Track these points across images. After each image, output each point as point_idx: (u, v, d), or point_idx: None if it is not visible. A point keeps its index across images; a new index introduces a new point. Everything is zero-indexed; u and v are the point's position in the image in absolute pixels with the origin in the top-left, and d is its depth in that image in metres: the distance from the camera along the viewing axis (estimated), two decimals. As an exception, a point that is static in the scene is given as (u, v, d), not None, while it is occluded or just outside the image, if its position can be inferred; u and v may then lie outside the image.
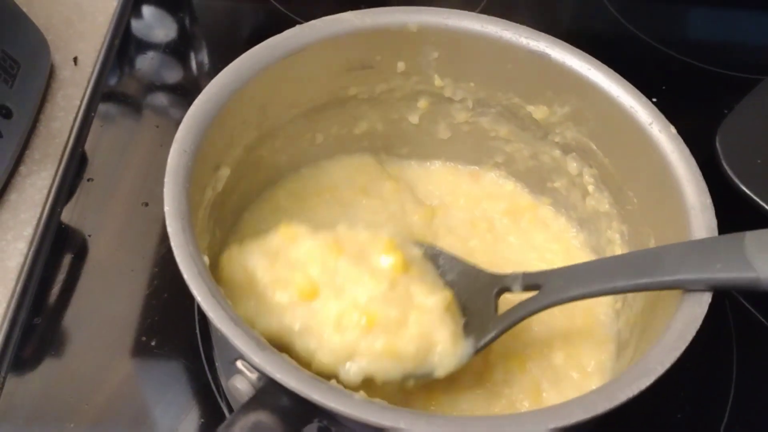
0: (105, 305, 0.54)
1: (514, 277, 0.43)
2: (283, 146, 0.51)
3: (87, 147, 0.63)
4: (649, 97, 0.70)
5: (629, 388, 0.32)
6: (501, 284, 0.43)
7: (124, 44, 0.74)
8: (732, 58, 0.73)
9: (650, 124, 0.44)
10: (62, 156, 0.61)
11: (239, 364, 0.35)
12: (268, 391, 0.32)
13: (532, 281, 0.42)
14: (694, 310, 0.36)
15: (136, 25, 0.80)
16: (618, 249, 0.49)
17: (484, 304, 0.43)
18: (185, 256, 0.34)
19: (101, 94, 0.67)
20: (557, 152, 0.52)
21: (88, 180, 0.61)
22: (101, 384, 0.49)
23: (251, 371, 0.34)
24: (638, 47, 0.75)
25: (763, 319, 0.57)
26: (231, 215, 0.49)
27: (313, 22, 0.47)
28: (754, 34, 0.78)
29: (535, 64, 0.48)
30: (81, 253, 0.58)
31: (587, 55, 0.47)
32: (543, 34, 0.48)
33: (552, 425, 0.31)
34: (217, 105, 0.42)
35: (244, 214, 0.50)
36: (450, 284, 0.44)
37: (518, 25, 0.48)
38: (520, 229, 0.54)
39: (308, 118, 0.51)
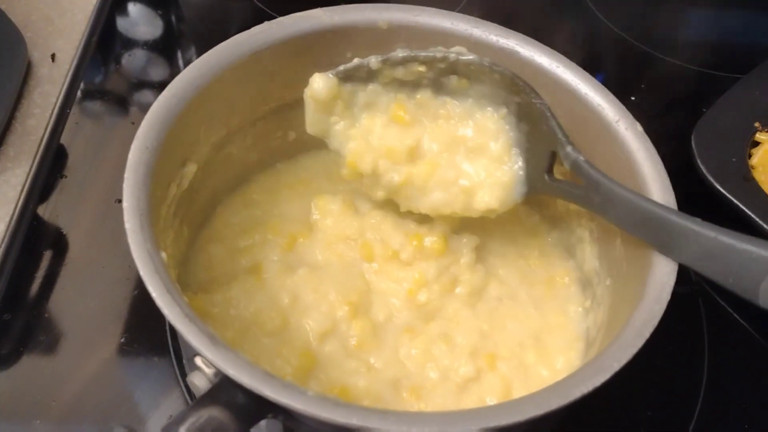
0: (78, 301, 0.54)
1: (571, 156, 0.43)
2: (254, 144, 0.51)
3: (66, 143, 0.63)
4: (629, 95, 0.72)
5: (584, 384, 0.32)
6: (554, 147, 0.44)
7: (109, 42, 0.74)
8: (711, 57, 0.73)
9: (617, 121, 0.44)
10: (37, 153, 0.61)
11: (197, 360, 0.35)
12: (223, 388, 0.32)
13: (583, 174, 0.42)
14: (653, 307, 0.36)
15: (121, 22, 0.80)
16: (587, 246, 0.49)
17: (535, 147, 0.45)
18: (142, 252, 0.34)
19: (84, 91, 0.67)
20: (529, 148, 0.52)
21: (63, 176, 0.61)
22: (69, 381, 0.49)
23: (209, 367, 0.34)
24: (618, 45, 0.75)
25: (736, 316, 0.57)
26: (201, 212, 0.49)
27: (281, 18, 0.47)
28: (733, 34, 0.78)
29: (505, 62, 0.48)
30: (57, 249, 0.58)
31: (556, 52, 0.47)
32: (513, 31, 0.48)
33: (504, 421, 0.31)
34: (181, 101, 0.42)
35: (217, 208, 0.50)
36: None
37: (488, 22, 0.48)
38: (497, 223, 0.54)
39: (279, 116, 0.51)
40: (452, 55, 0.44)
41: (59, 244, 0.58)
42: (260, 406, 0.32)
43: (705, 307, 0.57)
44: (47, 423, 0.47)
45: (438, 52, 0.45)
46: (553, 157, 0.44)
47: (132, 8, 0.82)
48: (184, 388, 0.48)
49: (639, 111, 0.68)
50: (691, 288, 0.58)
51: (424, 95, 0.46)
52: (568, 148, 0.43)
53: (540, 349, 0.48)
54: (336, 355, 0.45)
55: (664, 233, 0.39)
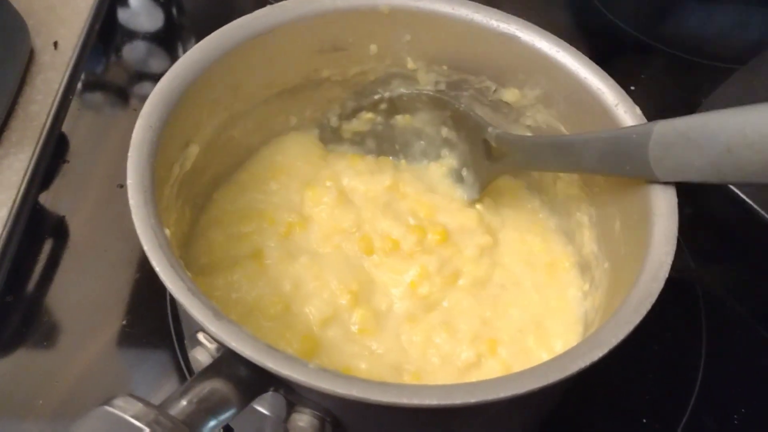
0: (81, 285, 0.55)
1: (493, 134, 0.49)
2: (256, 127, 0.51)
3: (67, 131, 0.64)
4: (628, 85, 0.71)
5: (581, 359, 0.33)
6: (484, 134, 0.50)
7: (110, 33, 0.75)
8: (710, 48, 0.74)
9: (616, 105, 0.44)
10: (39, 138, 0.61)
11: (200, 336, 0.35)
12: (225, 361, 0.33)
13: (506, 143, 0.49)
14: (650, 285, 0.36)
15: (122, 14, 0.80)
16: (586, 231, 0.49)
17: (475, 147, 0.51)
18: (146, 228, 0.35)
19: (85, 80, 0.68)
20: (529, 135, 0.52)
21: (66, 162, 0.61)
22: (70, 363, 0.50)
23: (211, 342, 0.34)
24: (618, 36, 0.76)
25: (734, 302, 0.57)
26: (202, 195, 0.49)
27: (283, 2, 0.47)
28: (732, 25, 0.78)
29: (506, 47, 0.48)
30: (59, 234, 0.58)
31: (556, 37, 0.47)
32: (513, 17, 0.48)
33: (503, 394, 0.31)
34: (184, 82, 0.42)
35: (214, 194, 0.50)
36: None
37: (489, 8, 0.49)
38: (497, 209, 0.54)
39: (281, 100, 0.51)
40: (386, 94, 0.54)
41: (61, 229, 0.58)
42: (262, 379, 0.32)
43: (703, 293, 0.57)
44: (49, 404, 0.47)
45: (375, 94, 0.54)
46: (486, 143, 0.50)
47: (133, 0, 0.82)
48: (186, 371, 0.49)
49: (638, 101, 0.69)
50: (689, 274, 0.58)
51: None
52: (489, 129, 0.49)
53: (540, 333, 0.48)
54: (338, 340, 0.45)
55: (570, 154, 0.43)
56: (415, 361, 0.46)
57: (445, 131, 0.54)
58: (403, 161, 0.56)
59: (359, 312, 0.46)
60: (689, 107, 0.65)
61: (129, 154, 0.38)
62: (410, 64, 0.52)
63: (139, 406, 0.28)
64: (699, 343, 0.54)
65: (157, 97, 0.40)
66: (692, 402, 0.51)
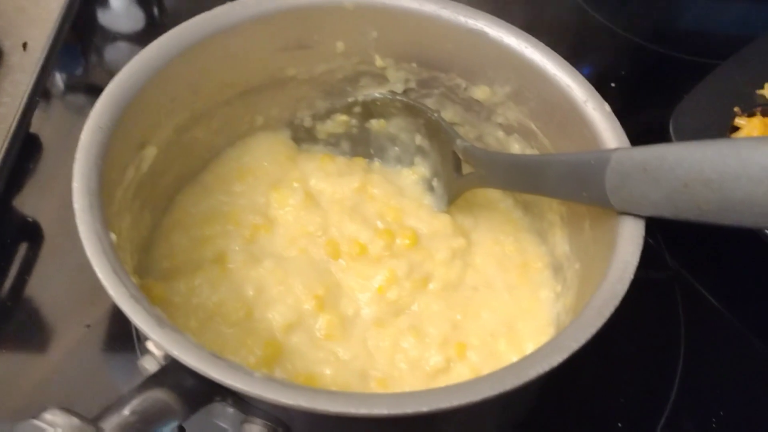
0: (52, 288, 0.53)
1: (460, 146, 0.48)
2: (220, 128, 0.50)
3: (42, 133, 0.63)
4: (609, 82, 0.71)
5: (540, 364, 0.32)
6: (453, 146, 0.49)
7: (89, 34, 0.74)
8: (691, 44, 0.73)
9: (585, 102, 0.43)
10: (4, 140, 0.60)
11: (149, 344, 0.34)
12: (170, 370, 0.32)
13: (471, 158, 0.48)
14: (615, 287, 0.35)
15: (102, 15, 0.79)
16: (558, 230, 0.48)
17: (445, 158, 0.51)
18: (90, 233, 0.33)
19: (66, 82, 0.67)
20: (501, 133, 0.51)
21: (36, 166, 0.60)
22: (32, 369, 0.49)
23: (159, 351, 0.33)
24: (598, 33, 0.74)
25: (712, 300, 0.56)
26: (164, 197, 0.48)
27: (244, -1, 0.46)
28: (712, 21, 0.77)
29: (474, 43, 0.47)
30: (31, 237, 0.57)
31: (525, 33, 0.46)
32: (482, 12, 0.47)
33: (456, 402, 0.30)
34: (138, 82, 0.41)
35: (177, 196, 0.49)
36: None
37: (456, 3, 0.47)
38: (470, 209, 0.53)
39: (245, 100, 0.50)
40: (360, 97, 0.53)
41: (33, 232, 0.57)
42: (208, 389, 0.31)
43: (681, 292, 0.56)
44: (7, 407, 0.46)
45: (347, 95, 0.53)
46: (455, 155, 0.49)
47: (113, 1, 0.81)
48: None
49: (619, 98, 0.68)
50: (667, 274, 0.57)
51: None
52: (458, 141, 0.48)
53: (512, 336, 0.47)
54: (302, 346, 0.44)
55: (530, 175, 0.43)
56: (382, 367, 0.45)
57: (418, 139, 0.53)
58: (377, 163, 0.55)
59: (325, 317, 0.45)
60: (670, 103, 0.64)
61: (76, 156, 0.36)
62: (379, 62, 0.51)
63: (71, 419, 0.27)
64: (677, 345, 0.53)
65: (108, 97, 0.39)
66: (669, 405, 0.50)
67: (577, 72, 0.44)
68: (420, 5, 0.47)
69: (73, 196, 0.35)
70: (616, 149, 0.38)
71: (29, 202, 0.59)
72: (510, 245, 0.51)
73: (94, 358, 0.49)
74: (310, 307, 0.45)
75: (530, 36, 0.46)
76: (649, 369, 0.52)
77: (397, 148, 0.54)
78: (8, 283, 0.53)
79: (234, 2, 0.46)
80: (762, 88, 0.63)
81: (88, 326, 0.50)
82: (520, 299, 0.49)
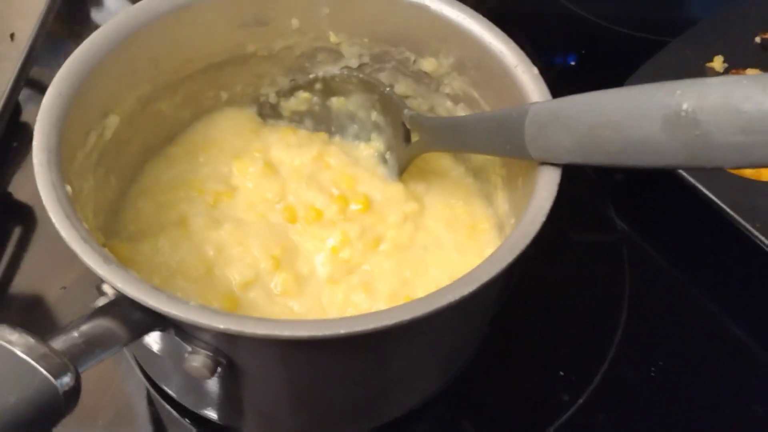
0: (48, 272, 0.57)
1: (407, 115, 0.51)
2: (185, 102, 0.53)
3: (32, 121, 0.66)
4: (568, 60, 0.74)
5: (451, 294, 0.34)
6: (403, 118, 0.52)
7: (82, 32, 0.77)
8: (646, 21, 0.75)
9: (516, 66, 0.46)
10: (-10, 124, 0.64)
11: (103, 286, 0.37)
12: (117, 303, 0.35)
13: (416, 125, 0.51)
14: (528, 228, 0.38)
15: (96, 14, 0.83)
16: (500, 192, 0.51)
17: (397, 131, 0.53)
18: (47, 183, 0.37)
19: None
20: (449, 103, 0.54)
21: (27, 153, 0.64)
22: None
23: (110, 291, 0.36)
24: (557, 12, 0.77)
25: (661, 261, 0.59)
26: (130, 166, 0.52)
27: (202, -23, 0.49)
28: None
29: (419, 17, 0.50)
30: (25, 222, 0.61)
31: (464, 6, 0.49)
32: (424, -14, 0.50)
33: (372, 326, 0.33)
34: (99, 53, 0.44)
35: (145, 166, 0.53)
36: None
37: (401, -21, 0.51)
38: (423, 177, 0.56)
39: (208, 75, 0.53)
40: (320, 73, 0.56)
41: (29, 217, 0.61)
42: (149, 319, 0.35)
43: (629, 254, 0.59)
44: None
45: (307, 72, 0.56)
46: (404, 126, 0.52)
47: (108, 1, 0.85)
48: (134, 362, 0.51)
49: (579, 75, 0.71)
50: (615, 236, 0.60)
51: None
52: (405, 111, 0.51)
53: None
54: (259, 301, 0.47)
55: (462, 133, 0.46)
56: None
57: (374, 115, 0.56)
58: (337, 137, 0.58)
59: (281, 275, 0.48)
60: (627, 77, 0.66)
61: (37, 118, 0.40)
62: (333, 38, 0.54)
63: (24, 337, 0.30)
64: (621, 301, 0.56)
65: (69, 66, 0.43)
66: (611, 355, 0.53)
67: (509, 39, 0.47)
68: (366, -19, 0.51)
69: (33, 152, 0.38)
70: (533, 103, 0.41)
71: (23, 188, 0.62)
72: (460, 208, 0.54)
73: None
74: (267, 266, 0.48)
75: (469, 8, 0.49)
76: (593, 322, 0.55)
77: (355, 126, 0.57)
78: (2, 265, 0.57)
79: (191, -19, 0.49)
80: (711, 61, 0.66)
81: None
82: (467, 257, 0.51)
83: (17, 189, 0.63)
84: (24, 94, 0.68)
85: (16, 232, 0.60)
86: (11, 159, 0.64)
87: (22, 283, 0.57)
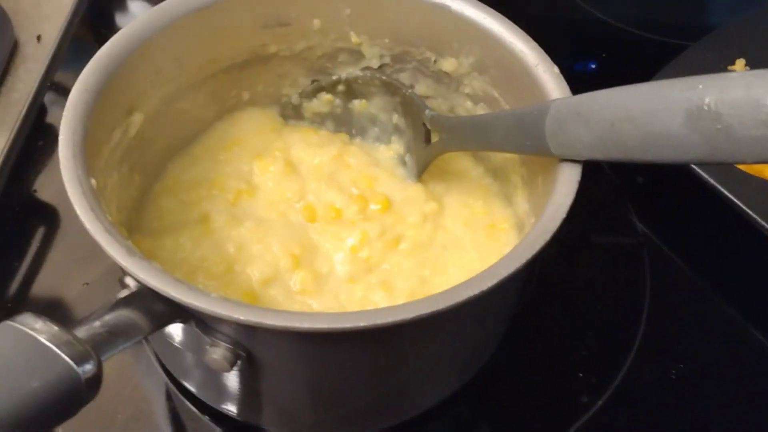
0: (71, 273, 0.57)
1: (428, 116, 0.52)
2: (208, 101, 0.54)
3: (57, 123, 0.67)
4: (589, 64, 0.74)
5: (471, 289, 0.35)
6: (423, 118, 0.52)
7: (106, 36, 0.79)
8: (668, 26, 0.75)
9: (536, 65, 0.46)
10: (15, 122, 0.65)
11: (126, 279, 0.37)
12: (139, 294, 0.35)
13: (437, 125, 0.51)
14: (547, 225, 0.38)
15: (120, 18, 0.84)
16: (520, 191, 0.51)
17: (417, 133, 0.54)
18: (72, 177, 0.38)
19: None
20: (469, 103, 0.54)
21: (51, 154, 0.65)
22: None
23: (133, 283, 0.37)
24: (581, 16, 0.77)
25: (682, 265, 0.58)
26: (154, 164, 0.52)
27: (224, -21, 0.50)
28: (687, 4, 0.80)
29: (439, 17, 0.50)
30: (48, 221, 0.62)
31: (484, 5, 0.49)
32: (444, -13, 0.50)
33: (391, 318, 0.33)
34: (123, 52, 0.45)
35: (168, 164, 0.53)
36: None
37: (422, -20, 0.51)
38: (442, 177, 0.56)
39: (230, 75, 0.54)
40: (343, 75, 0.56)
41: (51, 217, 0.62)
42: (171, 310, 0.35)
43: (650, 258, 0.58)
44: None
45: (328, 72, 0.57)
46: (425, 127, 0.52)
47: (133, 5, 0.86)
48: (157, 362, 0.52)
49: (600, 79, 0.71)
50: (636, 238, 0.59)
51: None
52: (426, 112, 0.51)
53: None
54: (279, 298, 0.48)
55: (482, 131, 0.46)
56: None
57: (395, 118, 0.56)
58: (358, 139, 0.59)
59: (300, 273, 0.48)
60: (648, 80, 0.66)
61: (64, 113, 0.41)
62: (354, 38, 0.54)
63: (48, 325, 0.31)
64: (641, 304, 0.55)
65: (95, 63, 0.43)
66: (631, 357, 0.52)
67: (530, 38, 0.47)
68: (387, -19, 0.51)
69: (59, 147, 0.39)
70: (555, 99, 0.41)
71: (48, 189, 0.63)
72: (479, 208, 0.54)
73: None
74: (286, 264, 0.49)
75: (488, 7, 0.49)
76: (613, 325, 0.54)
77: (376, 129, 0.58)
78: (25, 265, 0.58)
79: (215, -18, 0.50)
80: (733, 64, 0.66)
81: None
82: (486, 256, 0.51)
83: (42, 189, 0.64)
84: (48, 96, 0.70)
85: (41, 230, 0.61)
86: (36, 159, 0.65)
87: (45, 280, 0.57)
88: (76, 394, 0.30)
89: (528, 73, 0.47)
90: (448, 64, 0.53)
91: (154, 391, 0.51)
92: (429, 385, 0.47)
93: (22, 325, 0.30)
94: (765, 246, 0.53)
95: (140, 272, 0.34)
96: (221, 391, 0.45)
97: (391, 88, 0.55)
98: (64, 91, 0.72)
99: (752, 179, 0.56)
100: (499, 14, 0.49)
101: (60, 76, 0.71)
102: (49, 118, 0.70)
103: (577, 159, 0.40)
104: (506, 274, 0.35)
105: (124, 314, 0.34)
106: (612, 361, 0.52)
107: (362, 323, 0.33)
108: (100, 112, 0.43)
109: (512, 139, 0.43)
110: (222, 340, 0.36)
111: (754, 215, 0.53)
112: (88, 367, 0.30)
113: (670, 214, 0.62)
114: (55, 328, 0.31)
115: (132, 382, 0.51)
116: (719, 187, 0.55)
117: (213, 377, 0.43)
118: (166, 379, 0.51)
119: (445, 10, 0.50)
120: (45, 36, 0.74)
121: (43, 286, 0.57)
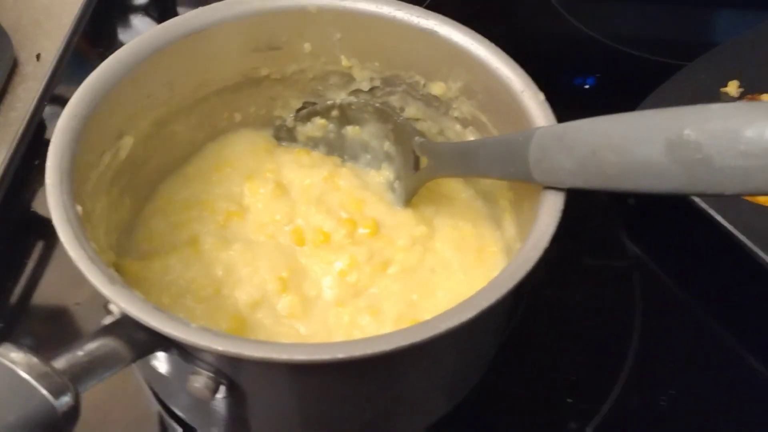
0: (67, 287, 0.58)
1: (417, 142, 0.52)
2: (199, 123, 0.55)
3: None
4: (585, 83, 0.74)
5: (451, 320, 0.35)
6: (413, 145, 0.52)
7: (109, 50, 0.80)
8: (661, 45, 0.75)
9: (522, 92, 0.46)
10: (13, 141, 0.65)
11: (109, 306, 0.38)
12: (121, 323, 0.35)
13: (425, 151, 0.51)
14: (529, 254, 0.38)
15: (122, 33, 0.85)
16: (508, 215, 0.51)
17: (407, 160, 0.54)
18: (57, 204, 0.38)
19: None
20: (458, 127, 0.54)
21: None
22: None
23: (116, 310, 0.37)
24: (571, 35, 0.78)
25: (674, 288, 0.58)
26: (146, 186, 0.53)
27: (214, 4, 0.50)
28: (680, 24, 0.80)
29: (428, 42, 0.51)
30: (46, 237, 0.62)
31: (472, 31, 0.50)
32: (433, 13, 0.51)
33: (369, 350, 0.33)
34: (114, 77, 0.45)
35: (159, 186, 0.54)
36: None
37: (411, 6, 0.51)
38: (432, 199, 0.56)
39: (222, 98, 0.54)
40: (337, 100, 0.57)
41: (49, 233, 0.62)
42: (153, 339, 0.35)
43: (640, 278, 0.58)
44: None
45: (321, 96, 0.57)
46: (414, 155, 0.52)
47: (136, 21, 0.87)
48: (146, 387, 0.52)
49: (593, 98, 0.71)
50: (627, 261, 0.59)
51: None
52: (416, 139, 0.52)
53: None
54: (266, 322, 0.48)
55: (468, 157, 0.47)
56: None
57: (387, 145, 0.56)
58: (349, 164, 0.59)
59: (288, 297, 0.49)
60: (642, 100, 0.66)
61: (52, 139, 0.41)
62: (344, 62, 0.55)
63: (27, 356, 0.31)
64: (632, 327, 0.55)
65: (84, 89, 0.44)
66: (620, 384, 0.52)
67: (516, 65, 0.48)
68: (377, 8, 0.51)
69: (46, 173, 0.39)
70: (540, 126, 0.41)
71: (46, 205, 0.63)
72: (469, 231, 0.54)
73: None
74: (274, 288, 0.49)
75: (476, 33, 0.49)
76: (603, 349, 0.54)
77: (368, 155, 0.58)
78: (21, 283, 0.58)
79: (205, 6, 0.50)
80: (726, 86, 0.66)
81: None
82: (474, 279, 0.51)
83: (40, 205, 0.64)
84: (49, 111, 0.70)
85: (38, 247, 0.61)
86: (34, 176, 0.66)
87: (40, 297, 0.58)
88: (53, 427, 0.30)
89: (514, 99, 0.47)
90: (437, 88, 0.53)
91: (144, 413, 0.52)
92: (415, 410, 0.47)
93: (1, 356, 0.30)
94: (757, 270, 0.52)
95: (121, 301, 0.34)
96: (208, 416, 0.45)
97: (383, 115, 0.56)
98: (64, 105, 0.73)
99: (743, 203, 0.56)
100: (486, 40, 0.49)
101: (60, 89, 0.72)
102: (49, 134, 0.70)
103: (560, 187, 0.40)
104: (487, 305, 0.35)
105: (106, 343, 0.34)
106: (601, 387, 0.52)
107: (340, 355, 0.33)
108: (90, 137, 0.43)
109: (497, 166, 0.43)
110: (203, 368, 0.37)
111: (746, 240, 0.53)
112: (65, 400, 0.30)
113: (662, 236, 0.61)
114: (34, 359, 0.31)
115: (121, 403, 0.51)
116: (711, 211, 0.55)
117: (199, 403, 0.43)
118: (155, 402, 0.51)
119: (433, 35, 0.50)
120: (44, 54, 0.75)
121: (37, 303, 0.58)
